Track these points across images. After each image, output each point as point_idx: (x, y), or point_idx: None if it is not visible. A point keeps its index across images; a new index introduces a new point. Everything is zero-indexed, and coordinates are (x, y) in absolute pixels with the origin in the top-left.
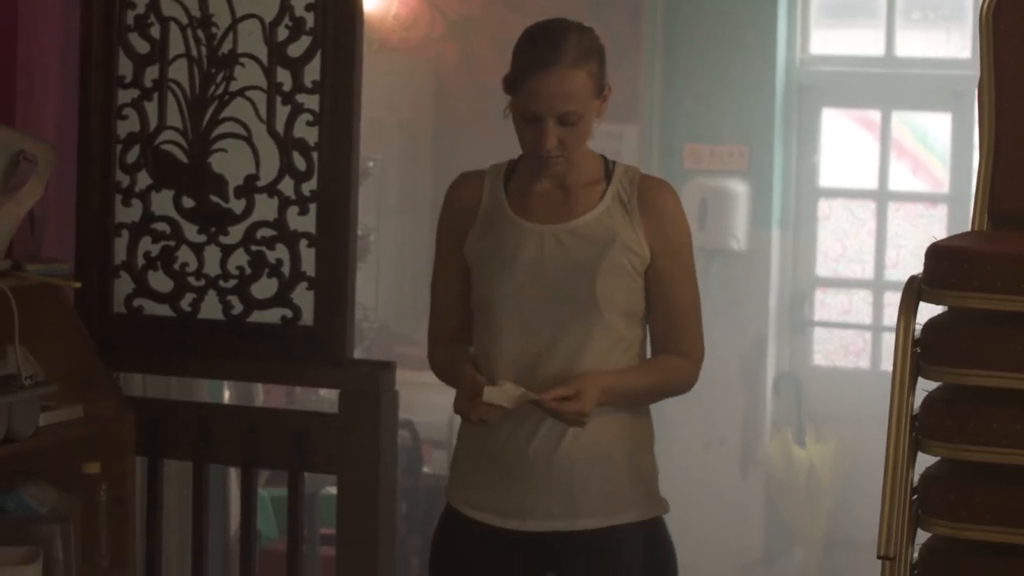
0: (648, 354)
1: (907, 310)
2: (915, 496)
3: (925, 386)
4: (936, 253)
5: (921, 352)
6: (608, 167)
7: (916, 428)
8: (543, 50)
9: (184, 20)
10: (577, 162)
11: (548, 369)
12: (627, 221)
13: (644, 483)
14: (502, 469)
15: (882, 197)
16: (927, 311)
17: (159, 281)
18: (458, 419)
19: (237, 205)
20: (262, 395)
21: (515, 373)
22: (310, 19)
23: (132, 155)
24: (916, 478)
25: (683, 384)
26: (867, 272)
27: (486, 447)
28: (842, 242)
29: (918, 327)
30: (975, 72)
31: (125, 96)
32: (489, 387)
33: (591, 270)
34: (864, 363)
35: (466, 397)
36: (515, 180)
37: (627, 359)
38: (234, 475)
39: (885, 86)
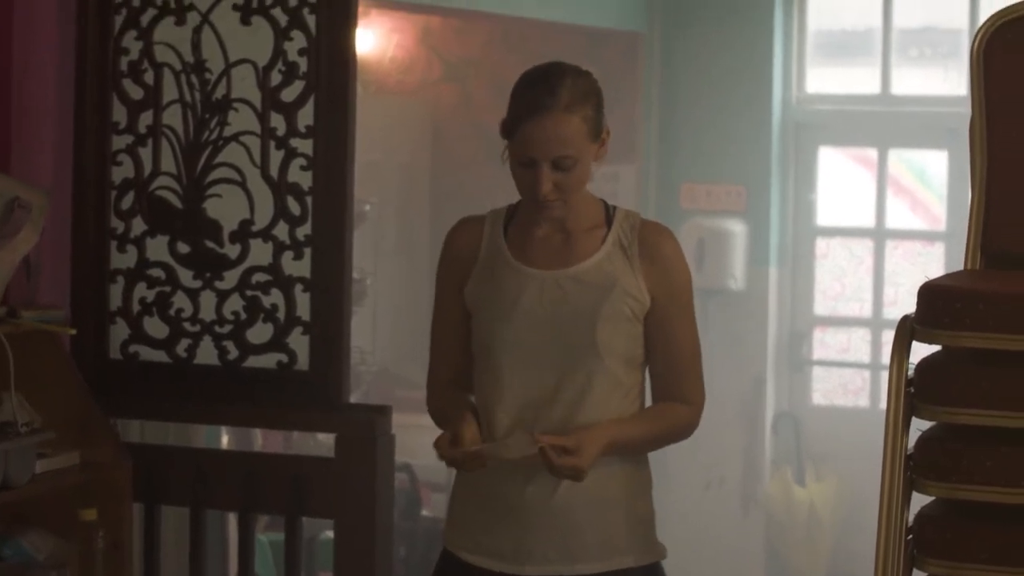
0: (647, 400)
1: (900, 350)
2: (910, 536)
3: (920, 425)
4: (929, 292)
5: (915, 391)
6: (609, 212)
7: (910, 467)
8: (538, 95)
9: (178, 66)
10: (576, 207)
11: (549, 415)
12: (628, 267)
13: (642, 528)
14: (499, 512)
15: (880, 235)
16: (922, 350)
17: (154, 327)
18: None
19: (232, 250)
20: (260, 440)
21: (515, 419)
22: (303, 64)
23: (127, 201)
24: (912, 518)
25: (684, 431)
26: (865, 310)
27: (483, 490)
28: (840, 280)
29: (912, 366)
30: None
31: (119, 142)
32: (490, 443)
33: (591, 316)
34: (863, 402)
35: (444, 440)
36: (515, 225)
37: (627, 405)
38: (232, 521)
39: (882, 124)
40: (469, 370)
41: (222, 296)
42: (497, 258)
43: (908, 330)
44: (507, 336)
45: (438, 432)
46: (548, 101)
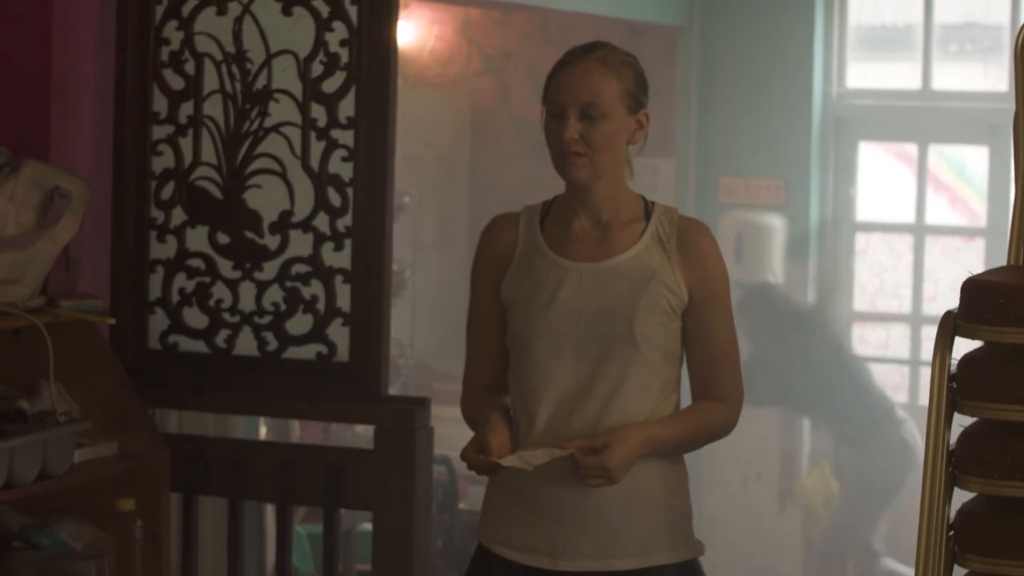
0: (684, 395)
1: (942, 345)
2: (951, 532)
3: (961, 421)
4: (972, 288)
5: (957, 387)
6: (647, 207)
7: (952, 463)
8: (574, 52)
9: (219, 56)
10: (613, 198)
11: (585, 407)
12: (666, 261)
13: (678, 524)
14: (534, 507)
15: (919, 231)
16: (964, 346)
17: (194, 317)
18: None
19: (272, 241)
20: (298, 431)
21: (552, 411)
22: (344, 55)
23: (167, 191)
24: (953, 514)
25: (722, 429)
26: (904, 306)
27: (520, 486)
28: (879, 276)
29: (954, 362)
30: (1012, 105)
31: (160, 132)
32: (515, 455)
33: (629, 308)
34: (902, 397)
35: (471, 449)
36: (551, 219)
37: (663, 399)
38: (270, 511)
39: (922, 119)
40: (504, 369)
41: (262, 287)
42: (534, 252)
43: (951, 325)
44: (544, 329)
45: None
46: (582, 54)
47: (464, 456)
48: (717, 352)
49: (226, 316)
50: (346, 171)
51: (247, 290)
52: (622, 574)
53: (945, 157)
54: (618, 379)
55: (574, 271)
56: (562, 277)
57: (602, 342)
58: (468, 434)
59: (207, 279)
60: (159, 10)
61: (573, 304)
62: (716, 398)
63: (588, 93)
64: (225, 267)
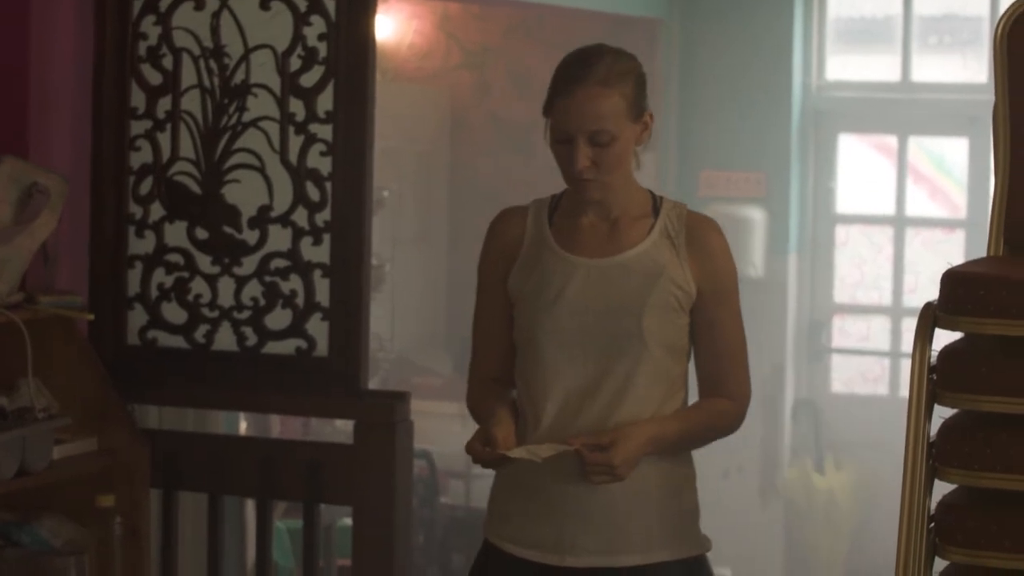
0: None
1: (923, 337)
2: (932, 524)
3: (942, 413)
4: (952, 279)
5: (937, 379)
6: (656, 202)
7: (933, 455)
8: (574, 70)
9: (196, 51)
10: (622, 194)
11: (593, 404)
12: (675, 257)
13: (685, 521)
14: (541, 502)
15: (899, 223)
16: (944, 337)
17: (173, 313)
18: None
19: (251, 236)
20: (278, 426)
21: (560, 407)
22: (323, 49)
23: (145, 186)
24: (933, 506)
25: (729, 427)
26: (885, 298)
27: (526, 481)
28: (859, 268)
29: (934, 354)
30: (992, 97)
31: (138, 127)
32: (523, 447)
33: (638, 304)
34: (882, 390)
35: (476, 442)
36: (559, 214)
37: (671, 396)
38: (250, 507)
39: (902, 111)
40: (511, 364)
41: (240, 282)
42: (542, 247)
43: (931, 316)
44: (552, 325)
45: (458, 419)
46: (583, 74)
47: (469, 449)
48: (726, 349)
49: (205, 311)
50: (325, 166)
51: (226, 285)
52: (628, 570)
53: (925, 149)
54: (626, 377)
55: (582, 267)
56: (569, 273)
57: (610, 339)
58: (449, 428)
59: (186, 274)
60: (137, 5)
61: (580, 300)
62: (724, 395)
63: (595, 121)
64: (204, 262)
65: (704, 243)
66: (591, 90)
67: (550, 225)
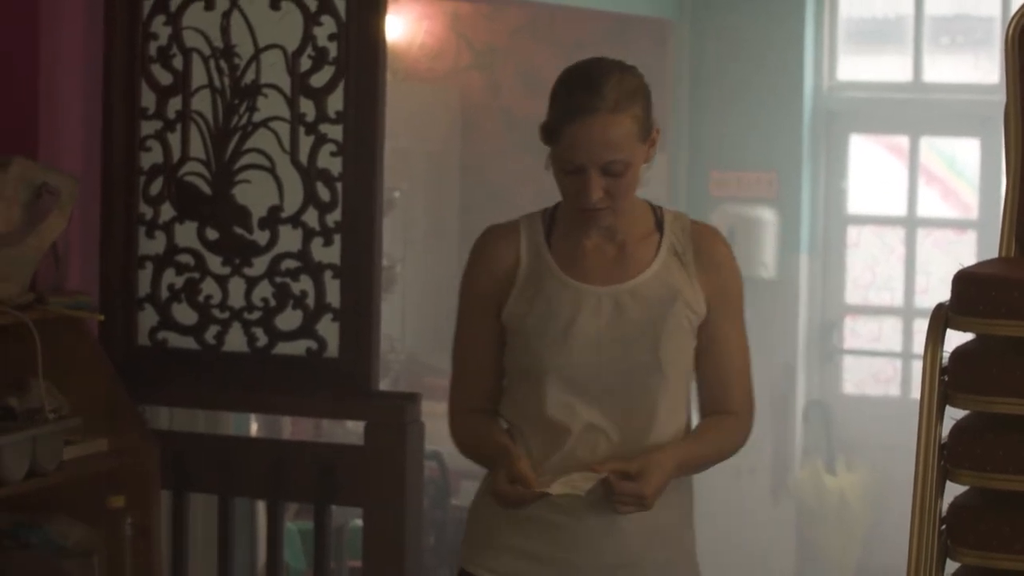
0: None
1: (934, 338)
2: (944, 526)
3: (953, 414)
4: (963, 280)
5: (948, 380)
6: (657, 215)
7: (944, 457)
8: (582, 96)
9: (207, 51)
10: (627, 213)
11: (615, 444)
12: (685, 276)
13: (691, 557)
14: (547, 540)
15: (911, 223)
16: (956, 338)
17: (183, 313)
18: None
19: (261, 236)
20: (290, 427)
21: (575, 444)
22: (333, 49)
23: (155, 187)
24: (945, 507)
25: (739, 445)
26: (896, 299)
27: (529, 513)
28: (871, 269)
29: (946, 355)
30: (1004, 97)
31: (148, 128)
32: (559, 481)
33: (654, 333)
34: (894, 391)
35: (504, 482)
36: (557, 234)
37: (683, 420)
38: (261, 508)
39: (913, 112)
40: (499, 394)
41: (251, 282)
42: (543, 273)
43: (942, 318)
44: (563, 360)
45: None
46: (594, 102)
47: (501, 493)
48: (732, 365)
49: (215, 312)
50: (335, 166)
51: (236, 286)
52: None
53: (936, 149)
54: (648, 413)
55: (591, 295)
56: (578, 302)
57: (627, 373)
58: None
59: (196, 275)
60: (147, 5)
61: (592, 332)
62: (730, 412)
63: (608, 151)
64: (214, 263)
65: (712, 256)
66: (604, 118)
67: (548, 246)
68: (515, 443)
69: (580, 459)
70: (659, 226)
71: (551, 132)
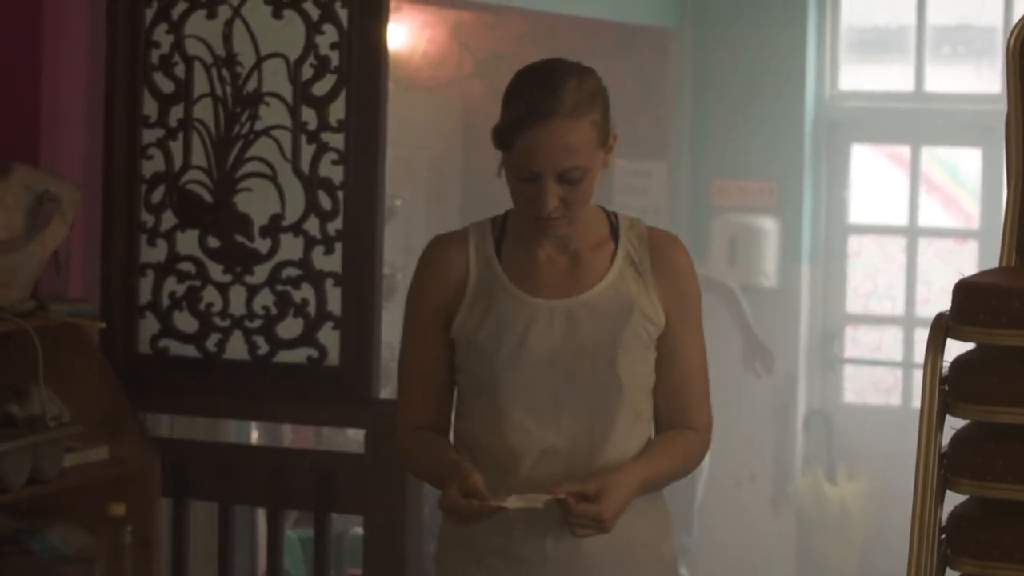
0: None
1: (934, 347)
2: (943, 535)
3: (954, 423)
4: (964, 290)
5: (949, 389)
6: (612, 223)
7: (944, 466)
8: (539, 99)
9: (209, 59)
10: (581, 221)
11: (572, 463)
12: (642, 286)
13: (673, 570)
14: (514, 565)
15: (912, 233)
16: (956, 348)
17: (184, 321)
18: None
19: (262, 245)
20: (290, 435)
21: (532, 464)
22: (335, 58)
23: (157, 195)
24: (945, 517)
25: (697, 460)
26: (897, 308)
27: (492, 545)
28: (872, 278)
29: (946, 364)
30: (1006, 107)
31: (150, 136)
32: (514, 496)
33: (610, 347)
34: (895, 400)
35: (455, 495)
36: (508, 245)
37: (643, 436)
38: (262, 516)
39: (915, 121)
40: (448, 410)
41: (252, 290)
42: (494, 286)
43: (943, 327)
44: (517, 378)
45: None
46: (551, 105)
47: (451, 504)
48: (690, 377)
49: (216, 320)
50: (337, 174)
51: (237, 294)
52: None
53: (938, 159)
54: (605, 430)
55: (544, 310)
56: (531, 317)
57: (583, 390)
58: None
59: (197, 283)
60: (149, 13)
61: (546, 348)
62: (689, 426)
63: (566, 158)
64: (215, 271)
65: (670, 264)
66: (560, 124)
67: (499, 257)
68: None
69: (535, 481)
70: (614, 234)
71: (504, 137)
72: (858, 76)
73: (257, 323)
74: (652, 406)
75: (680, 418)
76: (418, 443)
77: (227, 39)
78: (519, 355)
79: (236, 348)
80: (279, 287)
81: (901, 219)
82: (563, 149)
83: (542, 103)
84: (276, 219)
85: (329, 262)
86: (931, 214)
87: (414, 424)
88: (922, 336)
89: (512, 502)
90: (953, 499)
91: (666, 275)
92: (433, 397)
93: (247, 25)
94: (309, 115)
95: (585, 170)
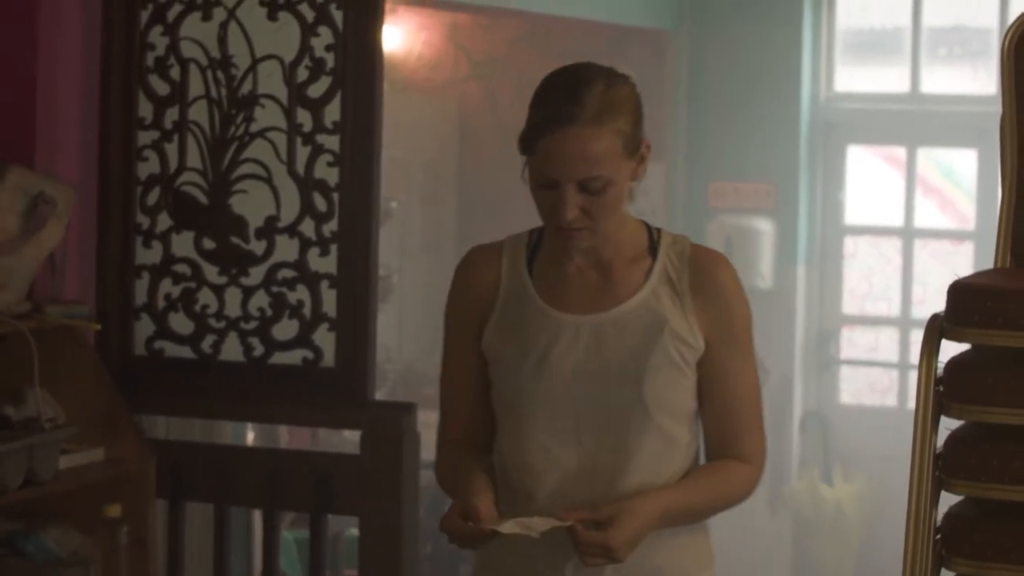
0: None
1: (929, 348)
2: (938, 535)
3: (949, 424)
4: (958, 291)
5: (944, 390)
6: (652, 238)
7: (939, 467)
8: (561, 104)
9: (204, 61)
10: (614, 235)
11: (593, 489)
12: (677, 305)
13: None
14: None
15: (908, 234)
16: (951, 349)
17: (180, 323)
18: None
19: (258, 246)
20: (287, 436)
21: (550, 491)
22: (330, 59)
23: (152, 197)
24: (940, 517)
25: (744, 493)
26: (893, 309)
27: (515, 571)
28: (868, 279)
29: (941, 365)
30: (1001, 108)
31: (145, 138)
32: (512, 520)
33: (637, 367)
34: (891, 401)
35: (453, 518)
36: (540, 257)
37: (679, 463)
38: (258, 517)
39: (911, 123)
40: (488, 424)
41: (248, 292)
42: (522, 299)
43: (938, 328)
44: (539, 395)
45: None
46: (572, 111)
47: (448, 527)
48: (738, 405)
49: (212, 322)
50: (332, 176)
51: (233, 295)
52: None
53: (934, 160)
54: (627, 455)
55: (570, 325)
56: (556, 332)
57: (606, 410)
58: None
59: (193, 284)
60: (144, 15)
61: (569, 365)
62: (738, 457)
63: (586, 167)
64: (211, 272)
65: (712, 283)
66: (581, 131)
67: (530, 271)
68: (493, 478)
69: (556, 503)
70: (652, 249)
71: (526, 141)
72: (854, 78)
73: (253, 325)
74: (691, 431)
75: (727, 447)
76: (446, 458)
77: (222, 41)
78: (541, 371)
79: (232, 350)
80: (274, 289)
81: (897, 220)
82: (583, 157)
83: (563, 108)
84: (271, 221)
85: (324, 264)
86: (927, 215)
87: (449, 438)
88: (917, 337)
89: (508, 527)
90: (948, 500)
91: (706, 294)
92: (469, 413)
93: (242, 27)
94: (304, 117)
95: (608, 180)
